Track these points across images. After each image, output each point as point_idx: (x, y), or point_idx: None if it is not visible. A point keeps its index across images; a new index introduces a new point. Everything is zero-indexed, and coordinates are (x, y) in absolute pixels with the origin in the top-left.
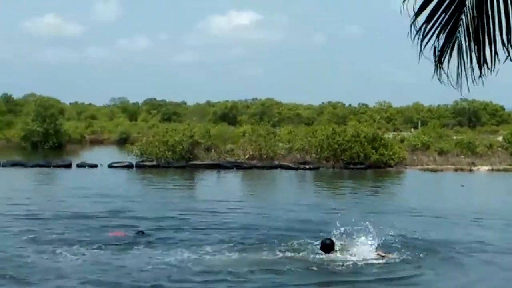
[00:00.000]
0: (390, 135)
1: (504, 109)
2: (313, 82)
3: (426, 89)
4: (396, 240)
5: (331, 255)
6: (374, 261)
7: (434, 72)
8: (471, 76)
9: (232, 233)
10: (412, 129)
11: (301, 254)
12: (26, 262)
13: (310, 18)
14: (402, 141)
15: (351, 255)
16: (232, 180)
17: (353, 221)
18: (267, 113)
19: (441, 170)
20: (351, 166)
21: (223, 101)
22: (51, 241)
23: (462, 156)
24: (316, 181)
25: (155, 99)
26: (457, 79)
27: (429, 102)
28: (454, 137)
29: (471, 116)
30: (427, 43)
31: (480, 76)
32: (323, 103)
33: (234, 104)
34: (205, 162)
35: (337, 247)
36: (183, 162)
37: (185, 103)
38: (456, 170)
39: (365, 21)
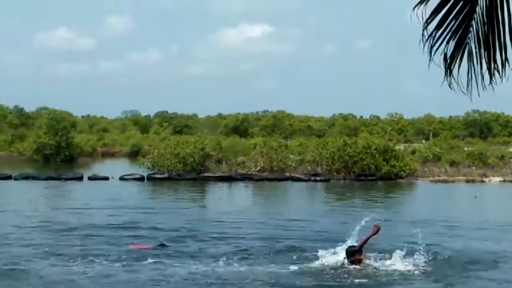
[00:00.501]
0: (401, 147)
1: None
2: (324, 94)
3: (437, 100)
4: (420, 250)
5: (352, 265)
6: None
7: (444, 79)
8: (481, 83)
9: (246, 244)
10: (424, 141)
11: (316, 265)
12: (41, 274)
13: (321, 30)
14: (413, 152)
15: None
16: (244, 192)
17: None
18: (278, 125)
19: (453, 182)
20: (362, 178)
21: (234, 113)
22: (67, 254)
23: (474, 168)
24: (328, 193)
25: (166, 111)
26: (467, 86)
27: (441, 114)
28: (466, 149)
29: (482, 127)
30: (437, 49)
31: (490, 83)
32: (334, 115)
33: (245, 116)
34: (216, 175)
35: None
36: (194, 174)
37: (197, 116)
38: (467, 181)
39: (376, 32)
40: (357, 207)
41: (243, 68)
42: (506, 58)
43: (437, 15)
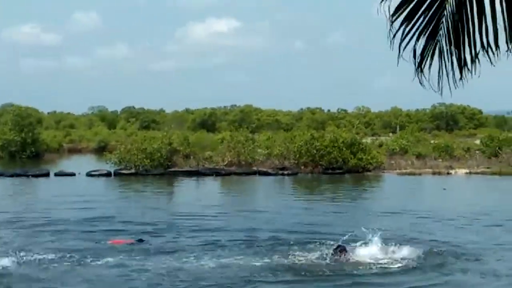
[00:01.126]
0: (368, 140)
1: (481, 113)
2: (292, 88)
3: (404, 94)
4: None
5: (340, 258)
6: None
7: (415, 75)
8: (452, 80)
9: (218, 238)
10: (391, 134)
11: (291, 259)
12: (10, 271)
13: (290, 25)
14: (380, 145)
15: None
16: (212, 187)
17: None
18: (246, 119)
19: (419, 174)
20: (330, 171)
21: (202, 108)
22: (38, 250)
23: (440, 160)
24: (296, 186)
25: (133, 107)
26: (438, 83)
27: (407, 107)
28: (432, 141)
29: (448, 120)
30: (406, 45)
31: (460, 79)
32: (301, 109)
33: (213, 111)
34: (183, 169)
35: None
36: (161, 170)
37: (164, 111)
38: (434, 173)
39: (345, 27)
40: (325, 200)
41: (211, 63)
42: (476, 55)
43: (404, 10)
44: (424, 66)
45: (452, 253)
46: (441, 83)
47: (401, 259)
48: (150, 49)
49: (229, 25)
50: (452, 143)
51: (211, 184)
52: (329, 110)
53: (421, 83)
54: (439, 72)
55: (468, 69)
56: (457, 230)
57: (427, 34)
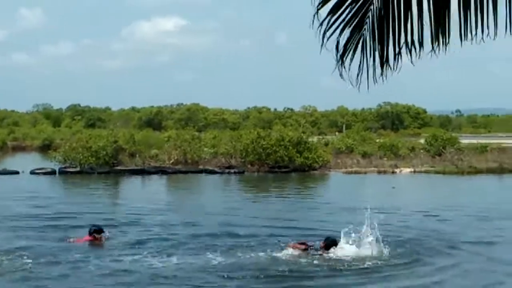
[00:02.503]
0: (315, 139)
1: (426, 112)
2: (239, 87)
3: (350, 93)
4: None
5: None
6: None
7: (336, 66)
8: (373, 76)
9: (169, 237)
10: (337, 133)
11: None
12: None
13: (237, 24)
14: (326, 144)
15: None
16: (157, 185)
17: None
18: (193, 118)
19: (365, 173)
20: (276, 170)
21: (148, 106)
22: None
23: (385, 159)
24: (242, 184)
25: (79, 105)
26: (357, 77)
27: (354, 106)
28: (378, 140)
29: (394, 119)
30: (330, 36)
31: (381, 75)
32: (248, 108)
33: (159, 109)
34: (129, 168)
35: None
36: (107, 168)
37: (110, 109)
38: (379, 172)
39: (291, 26)
40: (272, 198)
41: (157, 61)
42: (399, 53)
43: (328, 0)
44: (346, 58)
45: (418, 245)
46: (360, 78)
47: (377, 255)
48: (96, 47)
49: (176, 23)
50: (397, 142)
51: (157, 183)
52: (275, 109)
53: (341, 75)
54: (359, 66)
55: (389, 66)
56: (420, 224)
57: (352, 27)
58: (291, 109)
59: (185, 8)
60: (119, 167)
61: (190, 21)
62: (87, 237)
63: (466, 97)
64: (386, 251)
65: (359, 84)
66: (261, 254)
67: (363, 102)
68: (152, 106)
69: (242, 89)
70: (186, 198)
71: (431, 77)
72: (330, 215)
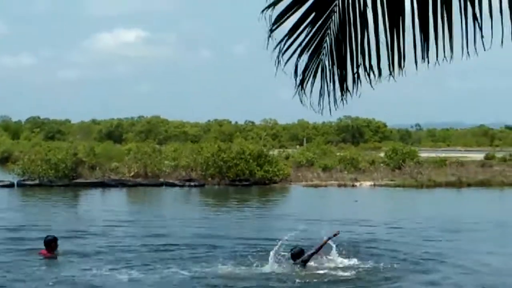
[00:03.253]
0: (275, 152)
1: (386, 126)
2: (200, 99)
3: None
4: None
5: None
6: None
7: (295, 93)
8: (333, 100)
9: (129, 249)
10: (298, 146)
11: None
12: None
13: (197, 35)
14: (287, 157)
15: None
16: (117, 197)
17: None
18: (153, 130)
19: (325, 186)
20: (237, 183)
21: (108, 119)
22: None
23: (345, 172)
24: (202, 198)
25: (38, 117)
26: (319, 101)
27: (314, 119)
28: (338, 154)
29: (354, 133)
30: (288, 60)
31: (341, 100)
32: (209, 120)
33: (119, 122)
34: (89, 181)
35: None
36: (66, 181)
37: (70, 121)
38: (339, 185)
39: (250, 37)
40: (233, 211)
41: (118, 73)
42: (358, 77)
43: (284, 22)
44: (306, 84)
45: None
46: (322, 103)
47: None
48: (55, 59)
49: (137, 35)
50: (358, 155)
51: (117, 195)
52: (236, 122)
53: (301, 101)
54: (320, 91)
55: (349, 92)
56: (388, 236)
57: (310, 51)
58: (252, 122)
59: (145, 19)
60: (78, 180)
61: (151, 32)
62: (44, 251)
63: (426, 112)
64: (353, 262)
65: (322, 109)
66: (221, 265)
67: (323, 116)
68: (113, 119)
69: (203, 101)
70: (145, 210)
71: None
72: (291, 226)
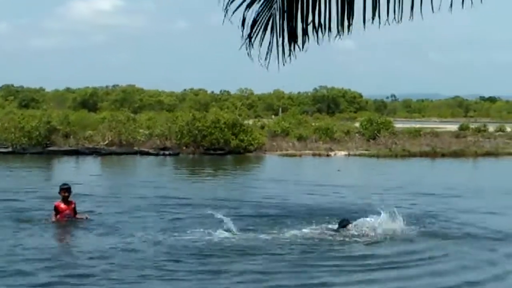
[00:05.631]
0: (250, 122)
1: (362, 97)
2: (176, 69)
3: (287, 76)
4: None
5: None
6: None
7: (243, 44)
8: (282, 55)
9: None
10: (273, 116)
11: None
12: None
13: (174, 4)
14: (262, 127)
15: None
16: (92, 166)
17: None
18: (128, 99)
19: (300, 156)
20: (211, 152)
21: (83, 87)
22: None
23: (320, 142)
24: (177, 166)
25: (12, 85)
26: (266, 56)
27: (290, 90)
28: (313, 124)
29: (330, 103)
30: (236, 9)
31: (289, 55)
32: (185, 90)
33: (94, 90)
34: (62, 149)
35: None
36: (39, 149)
37: (44, 89)
38: (314, 155)
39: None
40: (207, 179)
41: (93, 42)
42: (307, 33)
43: None
44: (255, 37)
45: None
46: (270, 57)
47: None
48: (30, 26)
49: (112, 3)
50: (333, 125)
51: (91, 164)
52: (212, 92)
53: (248, 55)
54: (269, 46)
55: (299, 47)
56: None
57: (261, 3)
58: (228, 92)
59: None
60: (52, 148)
61: (127, 1)
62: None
63: (402, 83)
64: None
65: (268, 64)
66: (198, 233)
67: (299, 86)
68: (87, 87)
69: (179, 71)
70: (118, 178)
71: (367, 62)
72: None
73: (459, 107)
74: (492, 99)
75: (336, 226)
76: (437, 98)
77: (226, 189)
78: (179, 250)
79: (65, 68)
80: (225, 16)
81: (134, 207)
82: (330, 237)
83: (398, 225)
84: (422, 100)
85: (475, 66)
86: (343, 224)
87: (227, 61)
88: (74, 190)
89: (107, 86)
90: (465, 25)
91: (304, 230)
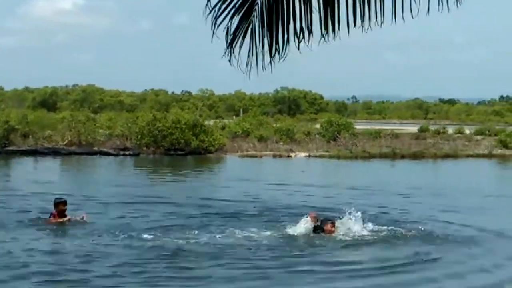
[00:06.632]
0: (211, 122)
1: (322, 98)
2: (137, 69)
3: (247, 77)
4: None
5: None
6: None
7: (225, 53)
8: (262, 62)
9: None
10: (234, 117)
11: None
12: None
13: (136, 5)
14: (223, 128)
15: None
16: (51, 167)
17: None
18: (89, 99)
19: (260, 156)
20: (172, 153)
21: (42, 87)
22: None
23: (281, 143)
24: (137, 167)
25: None
26: (246, 64)
27: (251, 90)
28: (274, 125)
29: (291, 104)
30: (220, 23)
31: (270, 62)
32: (146, 90)
33: (54, 90)
34: (21, 149)
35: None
36: None
37: (3, 89)
38: (274, 156)
39: (190, 8)
40: (167, 180)
41: (54, 41)
42: (288, 40)
43: None
44: (235, 45)
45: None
46: (250, 65)
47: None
48: None
49: (74, 2)
50: (293, 127)
51: (50, 164)
52: (173, 92)
53: (230, 62)
54: (248, 53)
55: (279, 53)
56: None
57: (241, 14)
58: (189, 92)
59: None
60: (10, 148)
61: (88, 0)
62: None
63: (363, 85)
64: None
65: (249, 71)
66: (160, 236)
67: (260, 87)
68: (47, 87)
69: (140, 71)
70: (78, 178)
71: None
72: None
73: (419, 109)
74: (451, 101)
75: (303, 227)
76: (397, 100)
77: (187, 189)
78: (145, 251)
79: (25, 68)
80: (213, 31)
81: (93, 208)
82: (295, 241)
83: (358, 226)
84: (383, 102)
85: (434, 68)
86: (321, 226)
87: (188, 62)
88: (34, 189)
89: (67, 86)
90: (424, 27)
91: (269, 232)
